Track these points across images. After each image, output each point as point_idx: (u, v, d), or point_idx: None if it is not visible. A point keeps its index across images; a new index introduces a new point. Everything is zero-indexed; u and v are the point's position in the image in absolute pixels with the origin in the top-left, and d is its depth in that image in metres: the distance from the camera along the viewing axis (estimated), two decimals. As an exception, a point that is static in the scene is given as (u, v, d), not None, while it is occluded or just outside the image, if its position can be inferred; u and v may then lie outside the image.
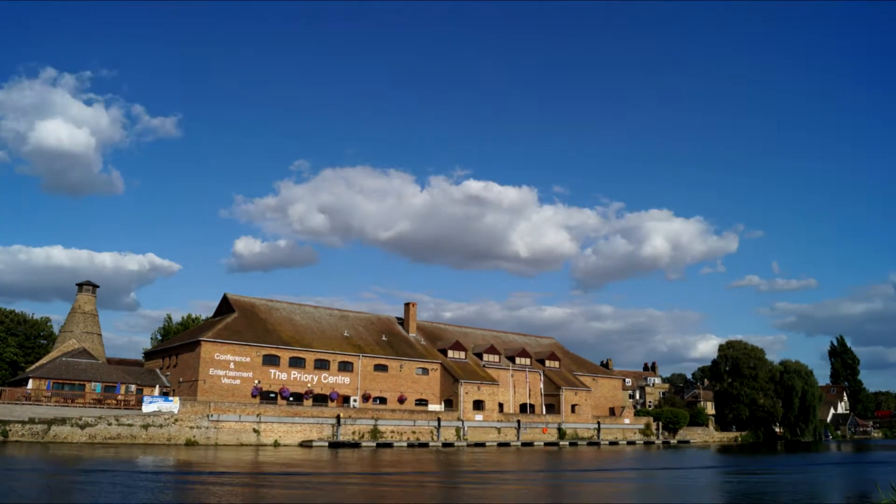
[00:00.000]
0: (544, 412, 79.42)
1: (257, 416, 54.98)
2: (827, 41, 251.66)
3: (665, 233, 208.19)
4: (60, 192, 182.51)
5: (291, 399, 62.00)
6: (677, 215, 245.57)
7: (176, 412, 51.08)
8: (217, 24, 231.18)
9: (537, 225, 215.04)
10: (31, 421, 45.73)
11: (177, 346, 64.04)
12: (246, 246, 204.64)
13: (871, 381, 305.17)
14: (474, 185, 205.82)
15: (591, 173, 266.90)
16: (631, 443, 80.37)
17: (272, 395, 61.57)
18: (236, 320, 63.94)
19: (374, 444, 57.84)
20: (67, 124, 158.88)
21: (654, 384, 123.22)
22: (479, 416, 69.78)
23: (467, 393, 70.95)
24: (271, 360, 62.53)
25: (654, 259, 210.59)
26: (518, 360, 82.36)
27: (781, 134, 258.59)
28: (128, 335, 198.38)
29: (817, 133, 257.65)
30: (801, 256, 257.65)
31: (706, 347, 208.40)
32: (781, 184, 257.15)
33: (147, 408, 50.77)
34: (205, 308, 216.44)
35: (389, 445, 58.50)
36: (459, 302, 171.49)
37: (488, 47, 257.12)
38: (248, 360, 60.96)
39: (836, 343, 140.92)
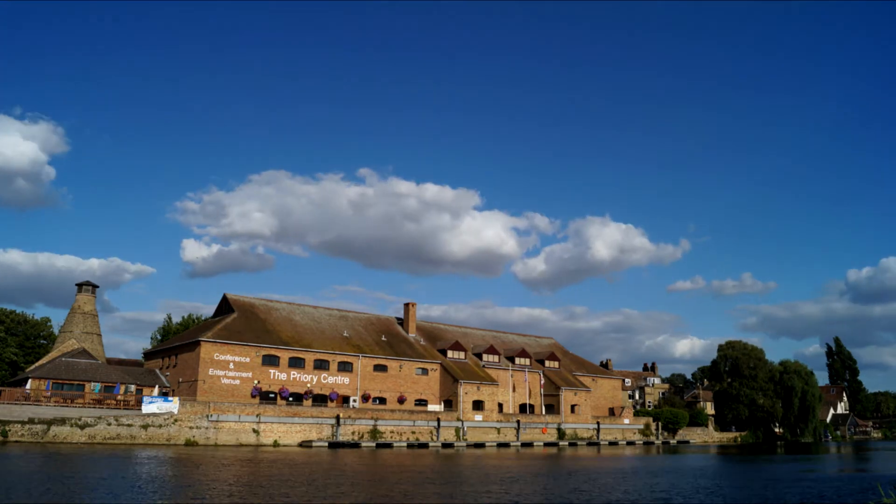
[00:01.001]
0: (544, 412, 79.43)
1: (257, 416, 55.00)
2: (781, 34, 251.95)
3: (612, 237, 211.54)
4: (10, 206, 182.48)
5: (291, 399, 62.01)
6: (626, 221, 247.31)
7: (175, 412, 51.09)
8: (136, 35, 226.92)
9: (480, 229, 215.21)
10: (31, 421, 45.75)
11: (176, 346, 64.05)
12: (196, 251, 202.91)
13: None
14: (415, 189, 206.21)
15: (537, 178, 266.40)
16: (630, 443, 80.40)
17: (272, 395, 61.58)
18: (236, 320, 63.96)
19: (374, 445, 57.87)
20: (15, 142, 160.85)
21: (653, 384, 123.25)
22: (478, 417, 69.80)
23: (467, 393, 70.97)
24: (271, 361, 62.55)
25: (601, 263, 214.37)
26: (518, 360, 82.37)
27: (727, 136, 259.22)
28: (106, 336, 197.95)
29: (759, 138, 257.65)
30: (752, 260, 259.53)
31: (685, 347, 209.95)
32: (731, 187, 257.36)
33: (146, 408, 50.79)
34: (176, 308, 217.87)
35: (389, 446, 58.56)
36: (426, 304, 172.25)
37: (430, 48, 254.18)
38: (248, 360, 60.99)
39: (832, 345, 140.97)
